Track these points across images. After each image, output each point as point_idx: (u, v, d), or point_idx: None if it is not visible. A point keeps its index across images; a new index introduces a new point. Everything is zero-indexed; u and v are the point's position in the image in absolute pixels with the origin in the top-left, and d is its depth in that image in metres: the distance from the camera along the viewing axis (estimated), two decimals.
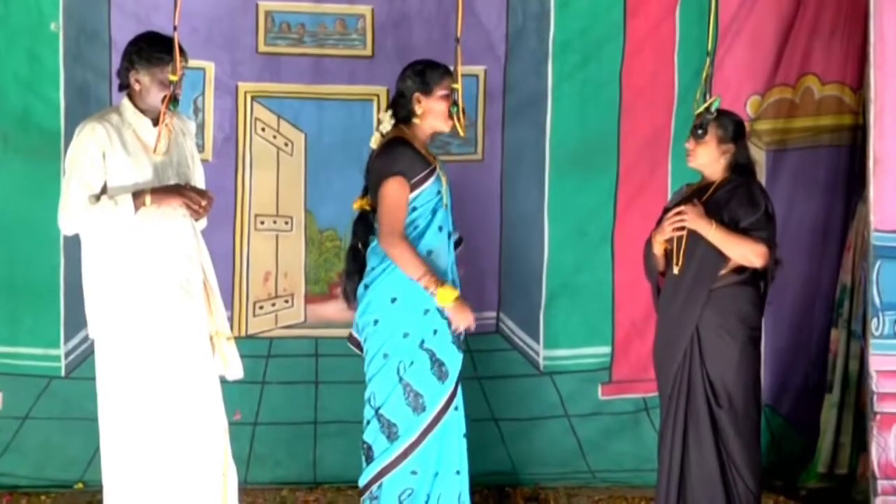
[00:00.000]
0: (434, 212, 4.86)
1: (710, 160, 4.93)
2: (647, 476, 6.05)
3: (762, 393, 5.11)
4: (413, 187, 4.80)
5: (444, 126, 4.93)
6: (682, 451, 4.87)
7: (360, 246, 4.96)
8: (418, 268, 4.75)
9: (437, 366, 4.86)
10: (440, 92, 4.86)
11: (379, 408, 4.85)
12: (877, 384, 5.48)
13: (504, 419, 6.26)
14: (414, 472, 4.84)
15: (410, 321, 4.83)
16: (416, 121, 4.88)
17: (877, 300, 5.49)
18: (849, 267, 6.15)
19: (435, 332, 4.85)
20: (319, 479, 6.14)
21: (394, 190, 4.77)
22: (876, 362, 5.48)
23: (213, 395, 4.75)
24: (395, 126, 4.89)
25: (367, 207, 4.93)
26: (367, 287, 4.90)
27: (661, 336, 5.00)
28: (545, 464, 6.23)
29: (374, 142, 4.93)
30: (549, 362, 6.30)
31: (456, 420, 4.93)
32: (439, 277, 4.78)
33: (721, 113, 5.07)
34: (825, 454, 6.13)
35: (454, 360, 4.89)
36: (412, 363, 4.83)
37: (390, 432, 4.83)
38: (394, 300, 4.83)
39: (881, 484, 5.47)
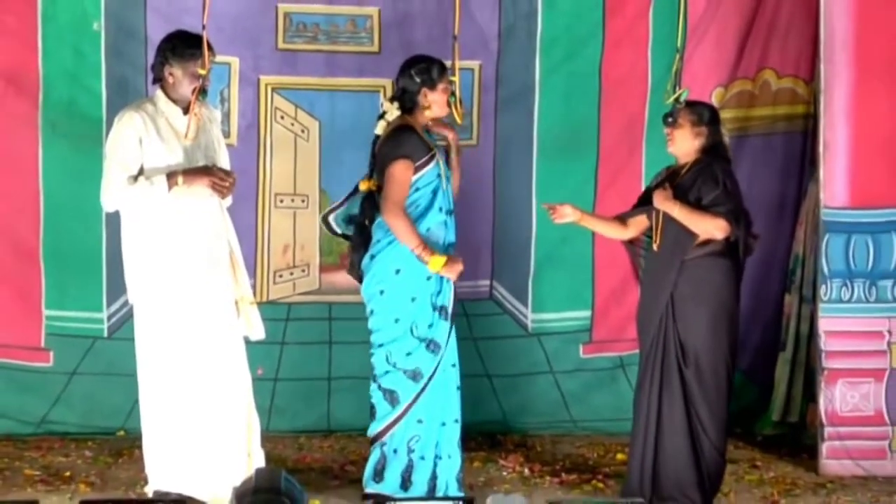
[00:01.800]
0: (435, 192, 4.91)
1: (685, 143, 4.93)
2: (623, 425, 5.98)
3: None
4: (416, 170, 4.86)
5: (443, 113, 5.02)
6: (657, 404, 4.93)
7: (366, 222, 4.99)
8: (413, 238, 4.82)
9: (443, 312, 4.94)
10: (442, 86, 4.94)
11: (396, 363, 4.90)
12: (825, 343, 5.56)
13: (496, 375, 6.30)
14: (420, 421, 4.91)
15: (416, 287, 4.89)
16: (422, 111, 4.94)
17: (825, 269, 5.56)
18: (801, 239, 6.15)
19: (439, 292, 4.94)
20: (333, 427, 6.20)
21: (400, 170, 4.83)
22: (824, 324, 5.57)
23: (238, 354, 4.82)
24: (399, 116, 4.95)
25: (374, 188, 4.98)
26: (373, 258, 4.93)
27: (642, 303, 5.05)
28: (533, 414, 6.28)
29: (380, 129, 4.96)
30: (537, 325, 6.33)
31: (454, 375, 5.02)
32: (430, 248, 4.84)
33: (695, 103, 5.10)
34: (779, 405, 6.16)
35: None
36: (423, 321, 4.90)
37: (415, 376, 4.91)
38: (398, 271, 4.88)
39: (827, 430, 5.57)
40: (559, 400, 6.32)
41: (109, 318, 6.10)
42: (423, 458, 4.93)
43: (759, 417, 6.28)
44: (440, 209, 4.92)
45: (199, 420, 4.71)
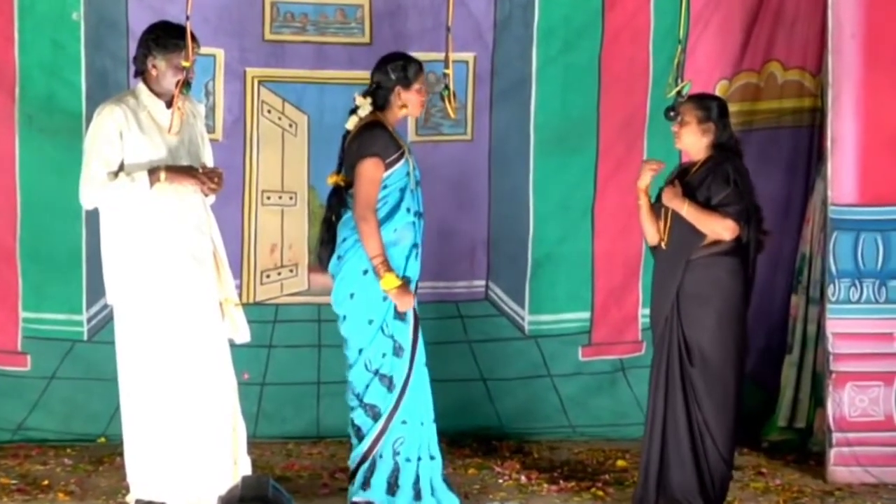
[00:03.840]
0: (403, 191, 4.91)
1: (693, 140, 4.94)
2: (623, 430, 6.16)
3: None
4: (386, 167, 4.87)
5: (416, 114, 5.06)
6: (664, 407, 4.94)
7: (333, 218, 4.99)
8: (376, 248, 4.81)
9: (395, 310, 4.92)
10: (417, 86, 4.95)
11: (377, 369, 4.91)
12: (832, 345, 5.56)
13: (492, 379, 6.31)
14: (404, 422, 4.92)
15: None
16: (394, 110, 4.95)
17: (833, 268, 5.56)
18: (808, 238, 6.16)
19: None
20: (322, 433, 6.20)
21: (370, 169, 4.84)
22: (832, 325, 5.57)
23: (223, 357, 4.80)
24: (371, 112, 4.95)
25: (341, 183, 4.98)
26: (340, 258, 4.92)
27: (651, 304, 5.07)
28: (530, 419, 6.28)
29: (351, 124, 4.95)
30: (534, 326, 6.33)
31: (426, 374, 5.00)
32: (389, 264, 4.82)
33: (703, 95, 5.09)
34: (785, 409, 6.17)
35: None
36: (393, 318, 4.89)
37: (390, 385, 4.91)
38: (366, 272, 4.85)
39: (836, 436, 5.56)
40: (557, 404, 6.33)
41: (89, 320, 6.10)
42: (408, 460, 4.93)
43: (764, 423, 6.28)
44: (408, 210, 4.92)
45: (183, 426, 4.70)
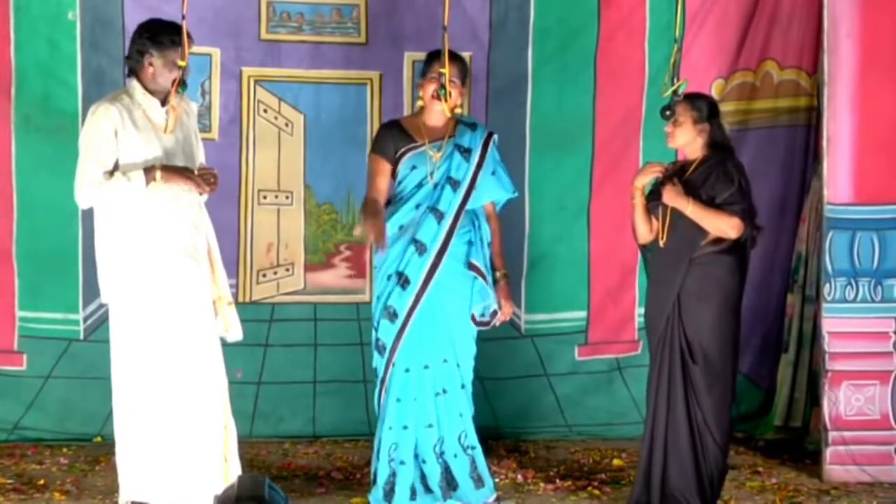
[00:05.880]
0: (420, 186, 4.95)
1: (687, 140, 4.94)
2: (619, 429, 6.18)
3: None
4: (397, 161, 4.96)
5: (429, 105, 5.00)
6: (666, 405, 4.94)
7: None
8: (362, 213, 4.96)
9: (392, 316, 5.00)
10: (428, 76, 4.98)
11: (375, 366, 5.04)
12: (828, 344, 5.57)
13: (488, 378, 6.20)
14: (390, 428, 4.97)
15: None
16: (426, 104, 5.02)
17: (829, 267, 5.57)
18: (804, 237, 6.17)
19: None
20: (318, 433, 6.22)
21: (369, 164, 5.04)
22: (828, 324, 5.58)
23: (215, 355, 4.79)
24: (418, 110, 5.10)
25: None
26: None
27: (649, 303, 5.06)
28: (526, 419, 6.30)
29: None
30: (530, 326, 6.34)
31: (426, 378, 4.97)
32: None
33: (694, 95, 5.08)
34: (781, 408, 6.18)
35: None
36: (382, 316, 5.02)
37: (380, 385, 5.04)
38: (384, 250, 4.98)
39: (832, 435, 5.57)
40: (553, 404, 6.34)
41: (86, 319, 6.11)
42: (402, 462, 4.96)
43: (760, 421, 6.29)
44: (416, 205, 4.96)
45: (175, 424, 4.69)
